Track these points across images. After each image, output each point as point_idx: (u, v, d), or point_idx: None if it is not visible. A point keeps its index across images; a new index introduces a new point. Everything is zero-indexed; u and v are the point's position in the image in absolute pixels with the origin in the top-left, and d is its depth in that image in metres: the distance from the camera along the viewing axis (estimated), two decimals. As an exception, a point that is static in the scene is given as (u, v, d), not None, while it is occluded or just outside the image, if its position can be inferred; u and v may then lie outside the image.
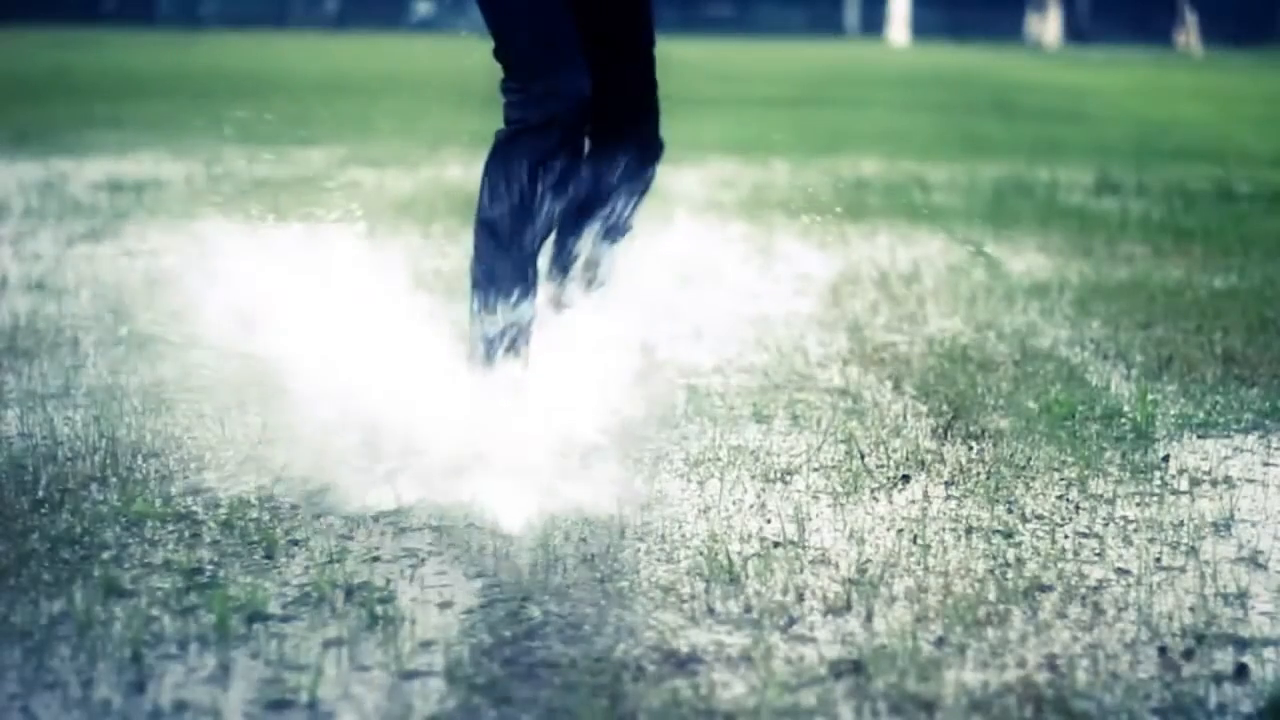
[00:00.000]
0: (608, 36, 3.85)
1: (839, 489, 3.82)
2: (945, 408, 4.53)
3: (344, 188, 3.75)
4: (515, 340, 3.76)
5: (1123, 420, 4.42)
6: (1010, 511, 3.68)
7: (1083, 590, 3.19)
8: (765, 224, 8.43)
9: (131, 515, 3.50)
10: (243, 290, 3.89)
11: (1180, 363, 5.13)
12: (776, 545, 3.42)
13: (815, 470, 3.96)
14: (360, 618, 2.97)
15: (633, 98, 3.88)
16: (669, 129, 3.94)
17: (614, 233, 3.89)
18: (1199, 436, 4.34)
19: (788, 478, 3.90)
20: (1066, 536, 3.51)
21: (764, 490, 3.80)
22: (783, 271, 7.06)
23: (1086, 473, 3.94)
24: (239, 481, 3.76)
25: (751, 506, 3.69)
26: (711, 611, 3.05)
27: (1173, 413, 4.54)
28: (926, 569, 3.29)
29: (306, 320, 3.82)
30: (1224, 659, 2.88)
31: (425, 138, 12.19)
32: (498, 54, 3.78)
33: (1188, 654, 2.89)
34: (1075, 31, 45.79)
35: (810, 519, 3.60)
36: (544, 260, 3.85)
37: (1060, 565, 3.33)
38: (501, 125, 3.76)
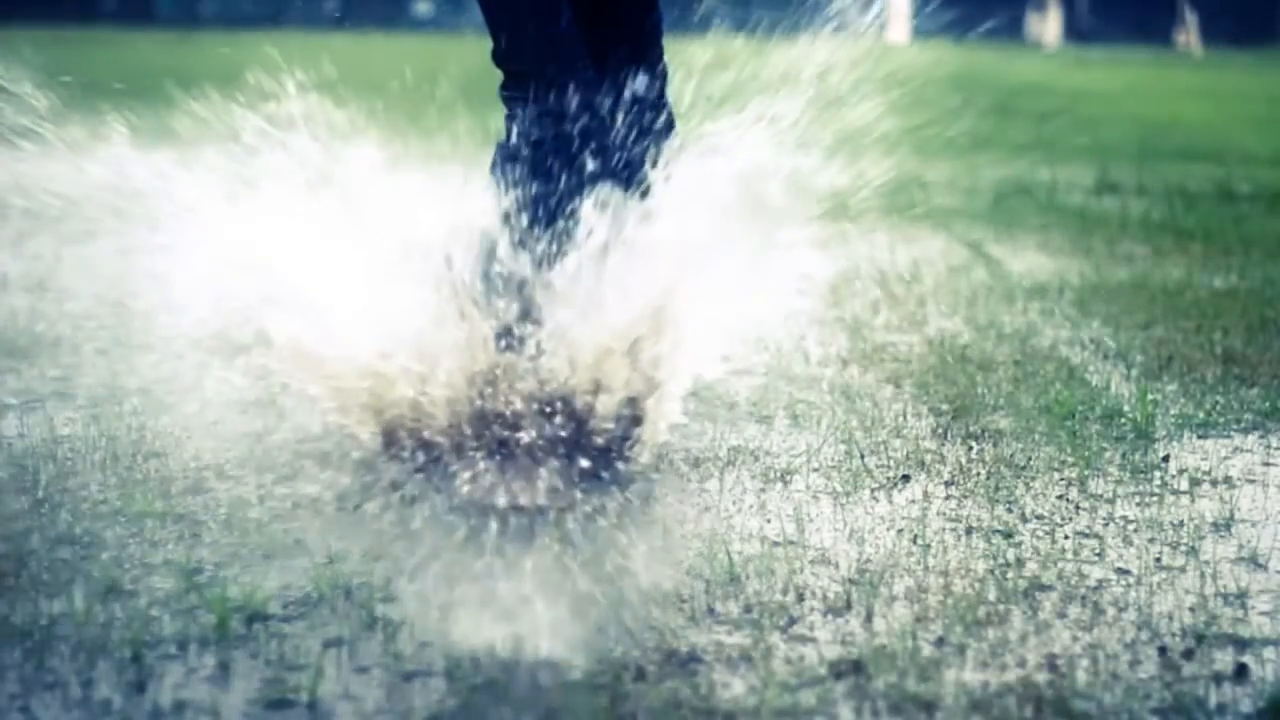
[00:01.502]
0: (615, 23, 3.82)
1: (839, 489, 3.82)
2: (945, 408, 4.53)
3: (345, 185, 3.73)
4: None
5: (1123, 420, 4.42)
6: (1010, 511, 3.68)
7: (1083, 590, 3.19)
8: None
9: (131, 515, 3.50)
10: (244, 289, 3.88)
11: (1180, 363, 5.14)
12: (776, 545, 3.42)
13: (815, 470, 3.96)
14: (360, 618, 2.97)
15: (643, 87, 3.85)
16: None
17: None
18: (1199, 436, 4.34)
19: (788, 478, 3.90)
20: (1066, 536, 3.51)
21: (764, 490, 3.80)
22: (783, 271, 7.05)
23: (1086, 473, 3.95)
24: (239, 481, 3.76)
25: (751, 506, 3.69)
26: (711, 611, 3.05)
27: (1173, 413, 4.54)
28: (926, 569, 3.29)
29: (308, 319, 3.81)
30: (1224, 659, 2.88)
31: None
32: (496, 57, 3.76)
33: (1188, 654, 2.89)
34: (1075, 31, 45.79)
35: (810, 519, 3.60)
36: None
37: (1060, 565, 3.33)
38: (501, 128, 3.75)
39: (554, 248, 3.72)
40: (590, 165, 3.74)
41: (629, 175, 3.81)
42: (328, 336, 3.83)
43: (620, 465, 3.81)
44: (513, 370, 3.76)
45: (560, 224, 3.70)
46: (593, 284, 3.72)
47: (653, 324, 3.83)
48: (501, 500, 3.56)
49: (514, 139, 3.72)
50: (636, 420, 3.86)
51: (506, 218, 3.75)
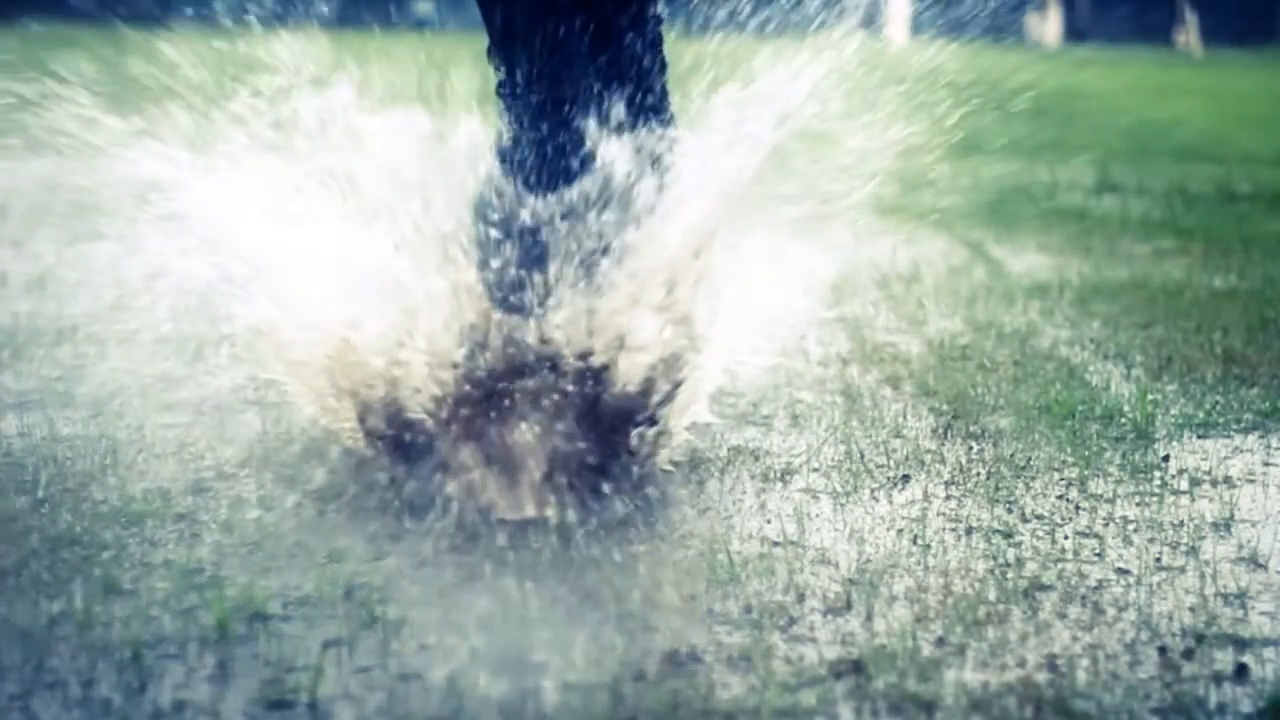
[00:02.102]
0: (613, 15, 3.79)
1: (839, 489, 3.82)
2: (945, 408, 4.53)
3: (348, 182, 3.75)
4: None
5: (1123, 420, 4.42)
6: (1010, 511, 3.68)
7: (1083, 590, 3.19)
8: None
9: (131, 515, 3.50)
10: (246, 287, 3.88)
11: (1180, 363, 5.13)
12: (776, 545, 3.42)
13: (815, 470, 3.96)
14: (360, 618, 2.97)
15: (641, 80, 3.81)
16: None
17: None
18: (1199, 436, 4.34)
19: (788, 478, 3.90)
20: (1066, 536, 3.51)
21: (764, 490, 3.80)
22: (783, 271, 7.05)
23: (1086, 473, 3.94)
24: (239, 481, 3.76)
25: (751, 506, 3.68)
26: (711, 611, 3.05)
27: (1173, 413, 4.54)
28: (926, 569, 3.29)
29: (311, 317, 3.80)
30: (1224, 659, 2.88)
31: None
32: (492, 55, 3.73)
33: (1188, 654, 2.89)
34: (1075, 31, 45.79)
35: (810, 519, 3.60)
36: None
37: (1060, 565, 3.33)
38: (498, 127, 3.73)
39: (564, 178, 3.29)
40: (604, 98, 3.36)
41: (649, 110, 3.45)
42: (294, 313, 3.63)
43: (638, 455, 3.60)
44: (511, 330, 3.37)
45: (570, 150, 3.28)
46: (614, 221, 3.28)
47: (690, 270, 3.35)
48: (496, 512, 3.51)
49: (519, 82, 3.38)
50: (666, 398, 3.42)
51: (507, 156, 3.36)
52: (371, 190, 3.56)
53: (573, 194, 3.29)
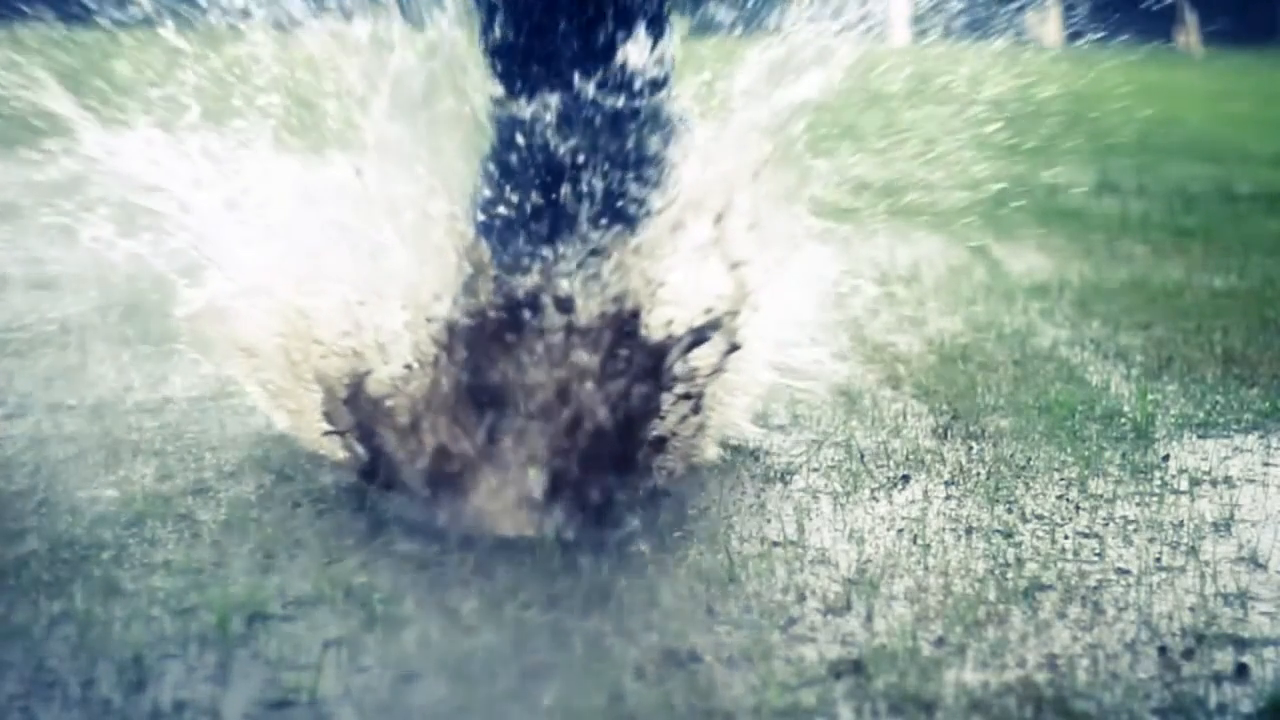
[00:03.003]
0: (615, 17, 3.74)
1: (839, 489, 3.81)
2: (945, 408, 4.53)
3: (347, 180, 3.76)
4: None
5: (1123, 420, 4.42)
6: (1010, 511, 3.67)
7: (1083, 590, 3.19)
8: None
9: (131, 515, 3.50)
10: (244, 286, 3.87)
11: (1180, 363, 5.13)
12: (776, 545, 3.42)
13: (815, 470, 3.96)
14: (360, 618, 2.97)
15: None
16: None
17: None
18: (1199, 436, 4.34)
19: (788, 478, 3.90)
20: (1066, 536, 3.51)
21: (764, 490, 3.80)
22: (783, 271, 7.03)
23: (1086, 473, 3.94)
24: (239, 481, 3.76)
25: (751, 506, 3.68)
26: (711, 611, 3.05)
27: (1173, 413, 4.54)
28: (926, 569, 3.29)
29: (310, 317, 3.80)
30: (1224, 659, 2.88)
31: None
32: (487, 53, 3.69)
33: (1188, 654, 2.89)
34: (1074, 31, 45.76)
35: (810, 519, 3.60)
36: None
37: (1060, 565, 3.33)
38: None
39: (573, 70, 2.62)
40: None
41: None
42: (242, 283, 3.43)
43: (668, 450, 3.32)
44: (508, 271, 2.62)
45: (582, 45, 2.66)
46: (646, 133, 2.61)
47: (744, 200, 2.59)
48: (488, 525, 3.44)
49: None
50: (715, 369, 2.68)
51: (500, 60, 2.72)
52: (330, 117, 3.09)
53: (587, 91, 2.64)
